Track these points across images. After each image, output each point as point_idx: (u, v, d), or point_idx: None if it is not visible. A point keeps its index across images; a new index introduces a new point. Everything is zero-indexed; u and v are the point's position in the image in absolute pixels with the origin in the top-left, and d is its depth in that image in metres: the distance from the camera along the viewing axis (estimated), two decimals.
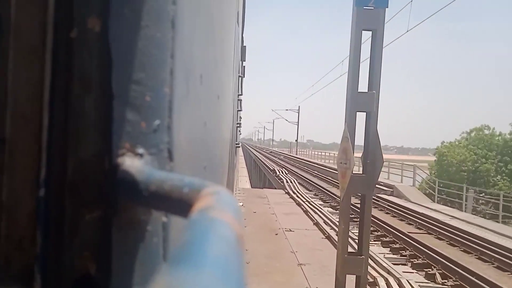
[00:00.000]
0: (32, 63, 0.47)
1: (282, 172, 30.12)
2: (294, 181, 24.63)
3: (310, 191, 23.33)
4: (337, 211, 14.29)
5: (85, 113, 0.47)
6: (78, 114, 0.47)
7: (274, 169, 32.59)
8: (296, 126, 66.21)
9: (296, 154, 66.61)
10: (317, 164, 40.75)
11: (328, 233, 11.38)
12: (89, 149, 0.47)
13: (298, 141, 71.58)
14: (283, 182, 24.30)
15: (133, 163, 0.47)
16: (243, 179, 29.84)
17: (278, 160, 51.87)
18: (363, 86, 5.06)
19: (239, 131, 10.20)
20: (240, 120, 9.10)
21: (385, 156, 5.25)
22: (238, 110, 6.46)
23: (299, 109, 67.91)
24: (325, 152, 62.04)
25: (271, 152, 73.87)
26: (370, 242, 6.80)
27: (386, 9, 4.93)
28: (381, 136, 5.00)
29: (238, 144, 9.22)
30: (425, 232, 13.67)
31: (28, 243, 0.47)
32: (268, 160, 47.34)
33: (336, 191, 20.29)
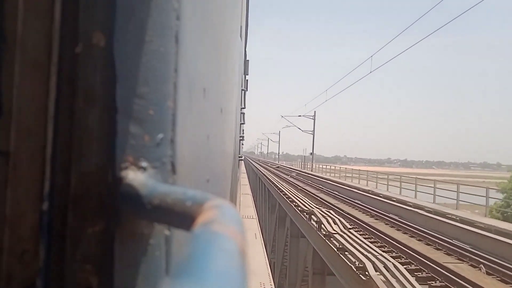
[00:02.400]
0: (37, 77, 0.48)
1: (334, 221, 13.60)
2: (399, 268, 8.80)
3: None
4: None
5: (89, 127, 0.47)
6: (82, 128, 0.47)
7: (311, 211, 16.03)
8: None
9: (312, 170, 55.23)
10: (359, 190, 25.83)
11: None
12: (93, 162, 0.47)
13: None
14: (354, 265, 9.76)
15: (136, 177, 0.47)
16: (251, 224, 11.56)
17: (294, 181, 35.58)
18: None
19: (242, 144, 10.19)
20: (243, 133, 9.12)
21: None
22: (241, 123, 6.47)
23: (315, 115, 56.50)
24: (338, 166, 52.22)
25: (278, 167, 62.36)
26: None
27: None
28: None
29: (241, 157, 9.22)
30: None
31: (31, 256, 0.47)
32: (280, 181, 31.42)
33: None
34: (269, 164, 71.73)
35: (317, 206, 17.63)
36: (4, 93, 0.47)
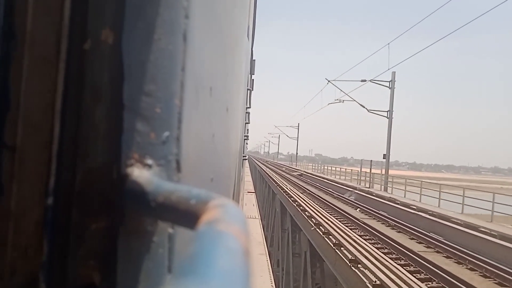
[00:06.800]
0: (45, 73, 0.48)
1: None
2: None
3: None
4: None
5: (96, 123, 0.47)
6: (89, 124, 0.47)
7: None
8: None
9: (386, 189, 28.43)
10: None
11: None
12: (98, 158, 0.47)
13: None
14: None
15: (141, 174, 0.47)
16: None
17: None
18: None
19: (246, 143, 10.19)
20: (247, 133, 9.12)
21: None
22: (246, 123, 6.48)
23: (393, 77, 30.01)
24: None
25: (301, 174, 44.91)
26: None
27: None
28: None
29: (245, 156, 9.23)
30: None
31: (34, 251, 0.47)
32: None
33: None
34: (283, 169, 54.29)
35: None
36: (12, 88, 0.48)
